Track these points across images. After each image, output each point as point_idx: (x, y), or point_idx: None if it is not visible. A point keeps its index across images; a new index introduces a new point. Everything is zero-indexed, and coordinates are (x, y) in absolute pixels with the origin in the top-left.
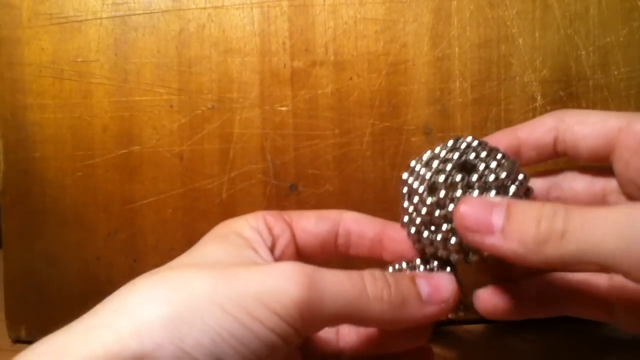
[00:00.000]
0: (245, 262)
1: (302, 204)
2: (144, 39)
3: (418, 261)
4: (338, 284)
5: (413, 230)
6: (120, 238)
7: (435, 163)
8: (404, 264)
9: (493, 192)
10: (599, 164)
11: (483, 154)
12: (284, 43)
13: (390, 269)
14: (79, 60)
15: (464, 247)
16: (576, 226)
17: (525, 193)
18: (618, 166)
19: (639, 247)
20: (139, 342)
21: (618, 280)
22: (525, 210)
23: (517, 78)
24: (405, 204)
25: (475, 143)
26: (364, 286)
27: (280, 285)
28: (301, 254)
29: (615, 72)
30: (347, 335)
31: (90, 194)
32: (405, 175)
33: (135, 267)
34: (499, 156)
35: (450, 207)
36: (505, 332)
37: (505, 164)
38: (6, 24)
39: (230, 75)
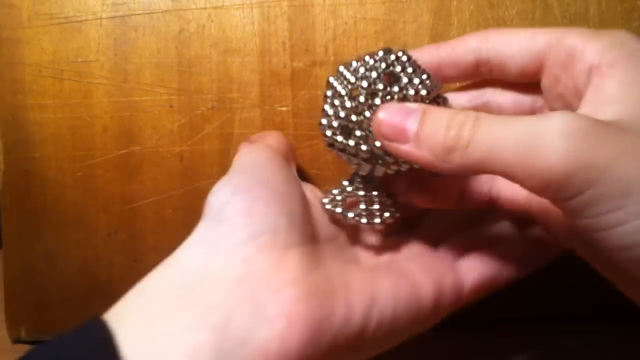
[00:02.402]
0: None
1: None
2: (144, 39)
3: (346, 182)
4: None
5: (329, 133)
6: (120, 238)
7: (362, 70)
8: (335, 190)
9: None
10: (527, 82)
11: (409, 70)
12: (284, 43)
13: (326, 200)
14: (79, 60)
15: (375, 155)
16: (481, 135)
17: None
18: (547, 82)
19: (534, 157)
20: None
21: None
22: (438, 117)
23: None
24: (327, 107)
25: (404, 58)
26: None
27: None
28: None
29: None
30: None
31: (90, 194)
32: (331, 79)
33: (135, 267)
34: (424, 76)
35: (367, 114)
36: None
37: (429, 83)
38: (6, 24)
39: (230, 75)
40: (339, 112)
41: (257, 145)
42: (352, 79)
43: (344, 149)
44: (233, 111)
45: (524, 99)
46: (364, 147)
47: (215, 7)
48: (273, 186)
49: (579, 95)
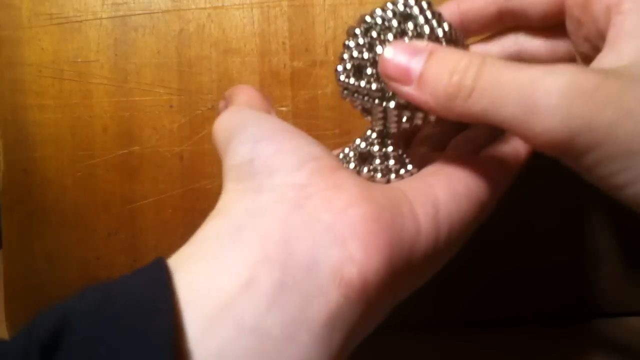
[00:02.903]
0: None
1: None
2: (144, 39)
3: (359, 140)
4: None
5: (343, 77)
6: (120, 238)
7: (378, 11)
8: (347, 149)
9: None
10: (552, 25)
11: (428, 14)
12: (283, 43)
13: (341, 155)
14: (79, 60)
15: (385, 95)
16: (483, 86)
17: None
18: (570, 26)
19: (534, 119)
20: None
21: None
22: (444, 60)
23: None
24: (344, 54)
25: (425, 4)
26: None
27: None
28: None
29: None
30: None
31: (90, 194)
32: (352, 28)
33: (135, 267)
34: (445, 25)
35: (379, 50)
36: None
37: (446, 25)
38: (6, 24)
39: (230, 75)
40: (352, 50)
41: (235, 106)
42: (368, 20)
43: (356, 90)
44: None
45: (559, 45)
46: (374, 86)
47: (215, 7)
48: (285, 127)
49: (602, 37)
